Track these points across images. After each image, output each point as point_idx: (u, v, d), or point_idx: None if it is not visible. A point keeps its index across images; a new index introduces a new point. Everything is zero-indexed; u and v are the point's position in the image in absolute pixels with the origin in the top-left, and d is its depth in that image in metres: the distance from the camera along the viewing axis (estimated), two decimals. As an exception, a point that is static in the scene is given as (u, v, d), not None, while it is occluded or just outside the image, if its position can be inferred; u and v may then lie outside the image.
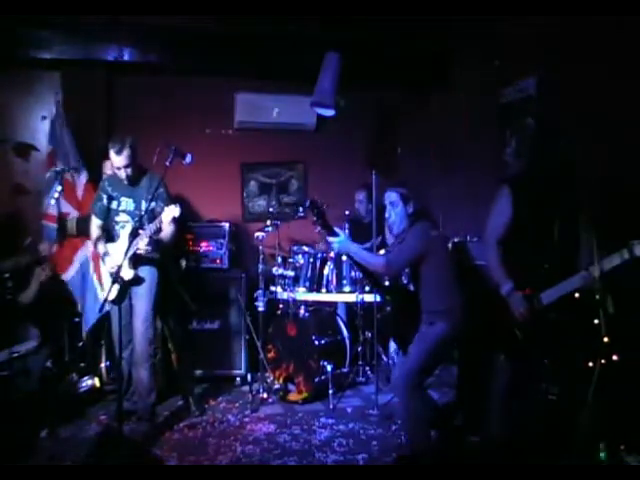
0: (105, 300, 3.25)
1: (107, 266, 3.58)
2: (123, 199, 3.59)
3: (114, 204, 3.62)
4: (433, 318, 2.99)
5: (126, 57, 4.56)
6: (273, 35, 4.61)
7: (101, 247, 3.63)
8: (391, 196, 3.15)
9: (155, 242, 3.41)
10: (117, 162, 3.42)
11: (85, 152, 4.35)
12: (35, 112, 4.70)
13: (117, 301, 3.35)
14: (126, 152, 3.38)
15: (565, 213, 2.73)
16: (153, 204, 3.44)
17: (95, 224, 3.70)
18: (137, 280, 3.42)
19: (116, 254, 3.50)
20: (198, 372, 4.47)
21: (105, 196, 3.64)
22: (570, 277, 2.59)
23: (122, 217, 3.57)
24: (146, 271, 3.52)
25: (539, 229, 2.73)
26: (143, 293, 3.49)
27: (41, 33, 4.32)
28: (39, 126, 4.71)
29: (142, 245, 3.31)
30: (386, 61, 4.97)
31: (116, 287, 3.31)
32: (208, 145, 5.01)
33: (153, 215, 3.45)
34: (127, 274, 3.38)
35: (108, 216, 3.64)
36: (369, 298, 4.27)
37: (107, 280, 3.58)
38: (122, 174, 3.48)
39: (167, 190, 3.53)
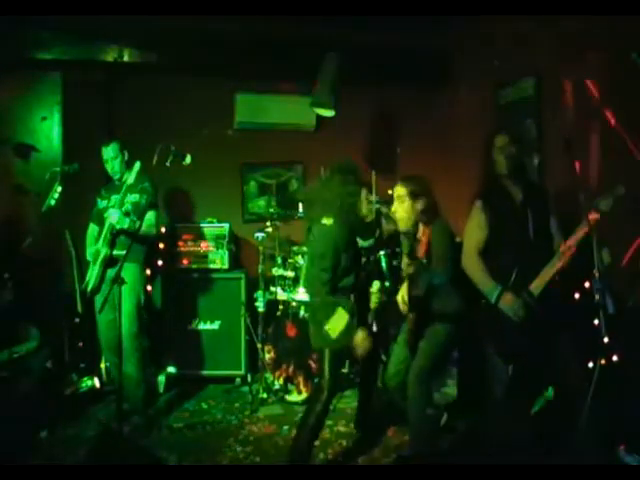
0: (88, 287, 3.59)
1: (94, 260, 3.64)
2: (113, 197, 3.69)
3: (105, 203, 3.74)
4: (445, 314, 2.98)
5: (126, 57, 4.56)
6: (273, 35, 4.61)
7: (91, 248, 3.72)
8: (398, 190, 3.06)
9: (131, 220, 3.47)
10: (105, 154, 3.72)
11: (85, 152, 4.35)
12: (35, 112, 4.70)
13: (94, 287, 3.59)
14: (113, 145, 3.70)
15: (537, 211, 2.78)
16: (137, 197, 3.64)
17: (91, 231, 3.83)
18: (115, 261, 3.47)
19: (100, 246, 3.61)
20: (198, 372, 4.49)
21: (99, 199, 3.82)
22: (549, 261, 2.68)
23: (109, 212, 3.60)
24: (129, 269, 3.54)
25: (515, 233, 2.77)
26: (126, 292, 3.49)
27: (41, 33, 4.31)
28: (39, 126, 4.71)
29: (114, 218, 3.43)
30: (386, 61, 4.96)
31: (95, 270, 3.57)
32: (208, 145, 5.00)
33: (137, 208, 3.59)
34: (102, 251, 3.54)
35: (101, 220, 3.70)
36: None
37: (90, 272, 3.68)
38: (109, 167, 3.74)
39: (153, 185, 3.66)
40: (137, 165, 3.27)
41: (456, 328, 3.02)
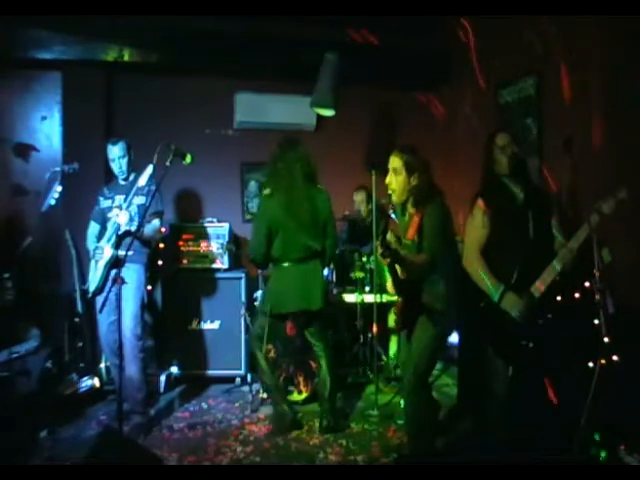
0: (91, 288, 3.59)
1: (97, 258, 3.61)
2: (117, 197, 3.69)
3: (108, 202, 3.72)
4: (433, 310, 2.84)
5: (126, 57, 4.56)
6: (273, 35, 4.61)
7: (91, 245, 3.71)
8: (394, 161, 2.87)
9: (138, 222, 3.48)
10: (113, 153, 3.67)
11: (85, 152, 4.36)
12: (35, 112, 4.71)
13: (98, 288, 3.57)
14: (121, 144, 3.66)
15: (538, 211, 2.77)
16: (143, 199, 3.62)
17: (92, 229, 3.80)
18: (120, 261, 3.39)
19: (105, 246, 3.59)
20: (198, 372, 4.50)
21: (102, 198, 3.79)
22: (550, 263, 2.67)
23: (114, 212, 3.61)
24: (133, 271, 3.57)
25: (516, 232, 2.76)
26: (130, 293, 3.52)
27: (41, 33, 4.31)
28: (39, 126, 4.72)
29: (122, 219, 3.44)
30: (386, 61, 4.97)
31: (100, 270, 3.54)
32: (208, 145, 5.01)
33: (142, 210, 3.57)
34: (107, 252, 3.52)
35: (104, 219, 3.69)
36: (369, 298, 4.28)
37: (93, 273, 3.65)
38: (116, 167, 3.70)
39: (160, 191, 3.61)
40: (150, 168, 3.29)
41: (451, 322, 2.96)
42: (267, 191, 3.55)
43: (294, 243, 3.46)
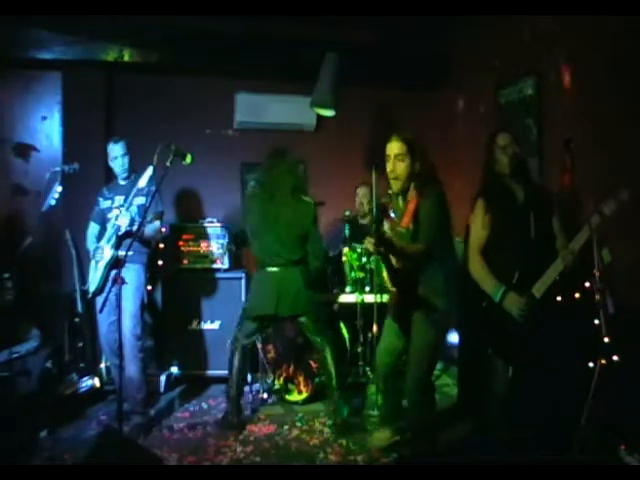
0: (91, 289, 3.60)
1: (97, 258, 3.61)
2: (117, 197, 3.69)
3: (108, 203, 3.72)
4: (434, 305, 2.79)
5: (126, 57, 4.57)
6: (273, 35, 4.61)
7: (91, 245, 3.71)
8: (396, 147, 2.78)
9: (138, 223, 3.45)
10: (114, 151, 3.68)
11: (85, 152, 4.36)
12: (35, 112, 4.71)
13: (98, 288, 3.58)
14: (122, 143, 3.68)
15: (539, 211, 2.77)
16: (143, 199, 3.62)
17: (91, 230, 3.80)
18: (120, 262, 3.36)
19: (105, 246, 3.59)
20: (199, 372, 4.49)
21: (101, 199, 3.79)
22: (552, 263, 2.69)
23: (114, 213, 3.61)
24: (133, 271, 3.57)
25: (517, 232, 2.76)
26: (130, 293, 3.52)
27: (41, 33, 4.32)
28: (39, 126, 4.72)
29: (123, 221, 3.45)
30: (386, 61, 4.97)
31: (100, 271, 3.54)
32: (208, 145, 5.01)
33: (141, 210, 3.57)
34: (107, 252, 3.53)
35: (104, 219, 3.70)
36: (369, 298, 4.28)
37: (93, 273, 3.65)
38: (118, 165, 3.70)
39: (159, 189, 3.61)
40: (150, 170, 3.31)
41: (450, 317, 2.95)
42: (251, 192, 3.61)
43: (268, 251, 3.56)
